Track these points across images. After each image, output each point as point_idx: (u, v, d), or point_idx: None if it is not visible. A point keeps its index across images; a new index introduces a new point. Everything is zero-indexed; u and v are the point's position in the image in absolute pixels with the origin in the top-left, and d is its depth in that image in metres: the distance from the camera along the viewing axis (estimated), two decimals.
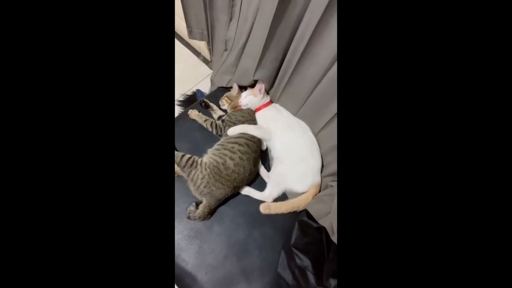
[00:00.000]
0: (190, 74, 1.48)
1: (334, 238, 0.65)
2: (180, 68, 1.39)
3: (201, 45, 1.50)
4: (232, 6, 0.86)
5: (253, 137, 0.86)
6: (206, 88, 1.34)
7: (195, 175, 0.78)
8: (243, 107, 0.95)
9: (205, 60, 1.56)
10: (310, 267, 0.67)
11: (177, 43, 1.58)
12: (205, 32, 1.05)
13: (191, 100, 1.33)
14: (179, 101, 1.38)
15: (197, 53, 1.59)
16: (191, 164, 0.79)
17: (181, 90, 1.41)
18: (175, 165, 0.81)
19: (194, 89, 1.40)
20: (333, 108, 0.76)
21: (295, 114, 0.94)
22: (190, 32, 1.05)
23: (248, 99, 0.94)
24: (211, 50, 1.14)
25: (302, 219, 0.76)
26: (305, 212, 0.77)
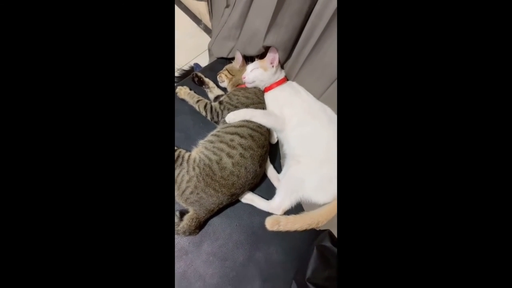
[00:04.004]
0: (188, 45, 1.38)
1: None
2: (177, 38, 1.34)
3: (202, 10, 1.36)
4: None
5: (260, 126, 0.75)
6: (206, 62, 1.25)
7: (180, 175, 0.67)
8: (248, 85, 0.83)
9: (206, 29, 1.46)
10: None
11: None
12: None
13: None
14: (175, 77, 1.29)
15: (197, 20, 1.47)
16: (176, 160, 0.69)
17: (177, 64, 1.32)
18: None
19: (192, 64, 1.31)
20: None
21: (319, 97, 0.80)
22: None
23: (255, 73, 0.81)
24: (210, 11, 1.00)
25: (323, 244, 0.67)
26: (328, 234, 0.69)
